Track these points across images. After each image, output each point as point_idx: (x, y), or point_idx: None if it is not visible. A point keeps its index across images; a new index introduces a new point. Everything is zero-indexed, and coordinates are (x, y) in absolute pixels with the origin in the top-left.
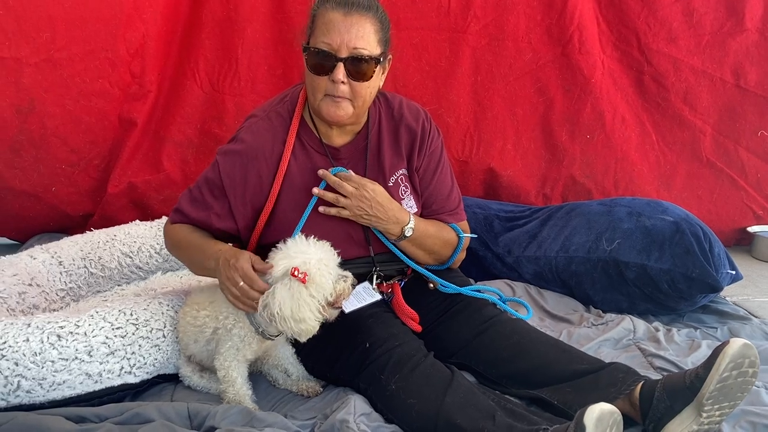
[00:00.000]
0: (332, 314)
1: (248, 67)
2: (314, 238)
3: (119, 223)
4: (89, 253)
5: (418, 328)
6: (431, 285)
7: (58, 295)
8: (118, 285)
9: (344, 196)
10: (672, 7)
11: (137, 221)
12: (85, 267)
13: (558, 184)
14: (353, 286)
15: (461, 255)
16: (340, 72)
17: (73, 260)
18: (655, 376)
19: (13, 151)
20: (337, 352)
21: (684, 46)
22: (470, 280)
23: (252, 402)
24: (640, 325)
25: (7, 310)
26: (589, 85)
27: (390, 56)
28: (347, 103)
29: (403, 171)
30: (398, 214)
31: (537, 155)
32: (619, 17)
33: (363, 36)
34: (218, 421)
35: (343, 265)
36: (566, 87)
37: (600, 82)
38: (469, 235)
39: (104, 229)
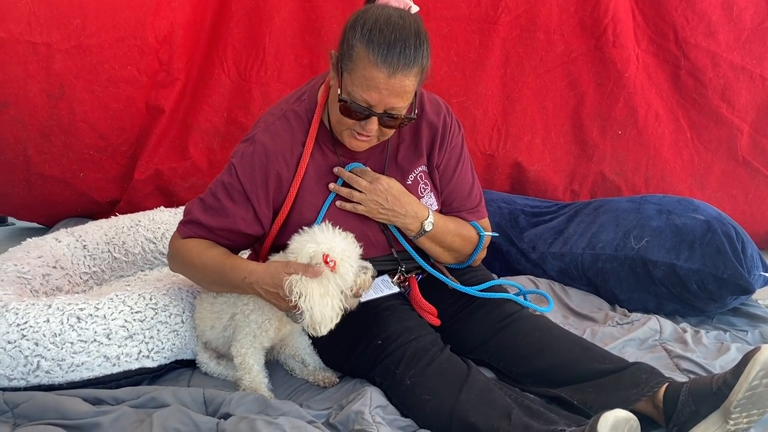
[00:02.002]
0: (352, 304)
1: (275, 57)
2: (339, 228)
3: (145, 210)
4: (113, 237)
5: (437, 322)
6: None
7: (81, 278)
8: (141, 270)
9: (360, 192)
10: (711, 0)
11: (162, 207)
12: (109, 251)
13: (587, 181)
14: (373, 278)
15: (482, 253)
16: (374, 125)
17: (98, 244)
18: (681, 378)
19: (43, 137)
20: (353, 344)
21: (723, 41)
22: (492, 275)
23: (268, 390)
24: (667, 325)
25: (31, 291)
26: (622, 79)
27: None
28: (373, 139)
29: (422, 168)
30: (416, 207)
31: (566, 150)
32: (655, 10)
33: (403, 95)
34: (233, 408)
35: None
36: (598, 81)
37: (634, 77)
38: (490, 233)
39: (129, 215)
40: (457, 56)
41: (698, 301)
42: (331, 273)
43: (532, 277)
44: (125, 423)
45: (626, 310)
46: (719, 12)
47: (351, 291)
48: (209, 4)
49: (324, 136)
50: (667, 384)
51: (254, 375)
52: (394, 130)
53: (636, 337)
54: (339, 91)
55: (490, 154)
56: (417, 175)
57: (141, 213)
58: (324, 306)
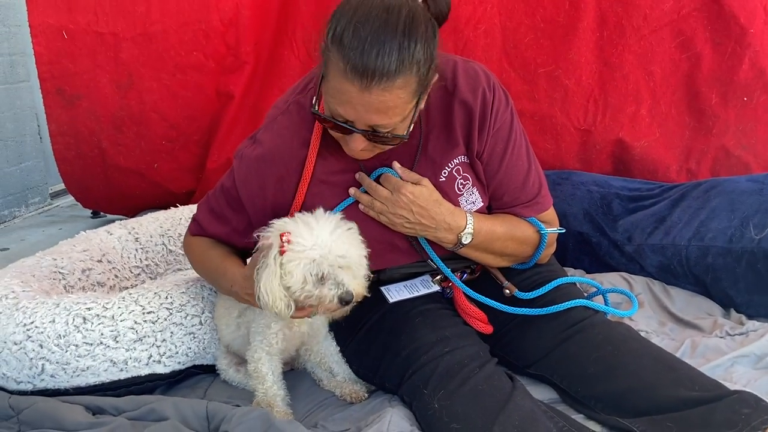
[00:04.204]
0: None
1: None
2: (345, 225)
3: None
4: (168, 229)
5: (488, 329)
6: (507, 291)
7: (132, 272)
8: None
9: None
10: None
11: None
12: (163, 244)
13: (706, 157)
14: (345, 303)
15: (548, 250)
16: (359, 143)
17: (151, 237)
18: None
19: (115, 128)
20: (380, 355)
21: None
22: (564, 271)
23: (284, 404)
24: None
25: (65, 287)
26: (746, 36)
27: (434, 79)
28: (373, 150)
29: (460, 159)
30: (450, 218)
31: (679, 122)
32: None
33: (386, 111)
34: (233, 427)
35: (399, 269)
36: (716, 40)
37: (761, 33)
38: (553, 230)
39: (189, 206)
40: (544, 21)
41: None
42: (278, 252)
43: (625, 275)
44: None
45: (743, 317)
46: None
47: (299, 296)
48: None
49: None
50: None
51: (268, 386)
52: (392, 146)
53: (751, 353)
54: (314, 101)
55: (585, 129)
56: (453, 169)
57: None
58: (267, 283)
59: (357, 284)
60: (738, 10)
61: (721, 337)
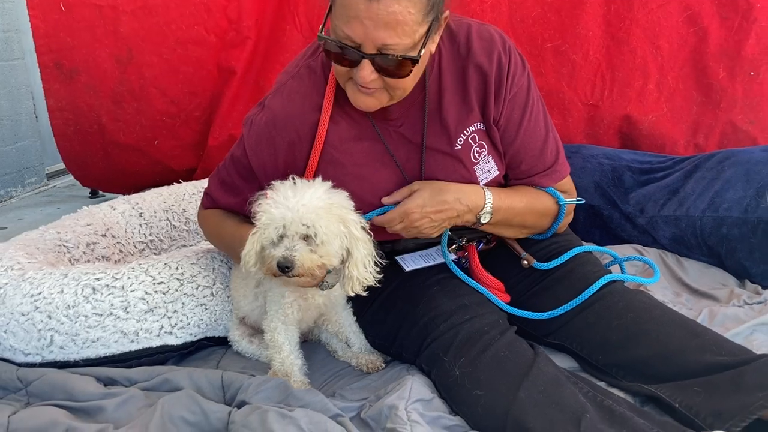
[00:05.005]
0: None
1: None
2: (331, 198)
3: None
4: (172, 205)
5: (506, 298)
6: (525, 262)
7: (136, 247)
8: (205, 240)
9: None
10: None
11: None
12: (167, 219)
13: (714, 132)
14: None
15: (566, 219)
16: (367, 70)
17: (155, 212)
18: None
19: (114, 103)
20: (397, 325)
21: None
22: (580, 240)
23: (301, 373)
24: None
25: (69, 261)
26: (753, 10)
27: (446, 13)
28: (381, 93)
29: (476, 126)
30: (468, 198)
31: (687, 97)
32: None
33: (395, 26)
34: (251, 395)
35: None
36: (723, 14)
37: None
38: (572, 200)
39: (192, 182)
40: None
41: None
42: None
43: (638, 247)
44: (131, 408)
45: (759, 287)
46: None
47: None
48: None
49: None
50: None
51: (285, 355)
52: (403, 79)
53: None
54: (321, 28)
55: (593, 104)
56: (468, 136)
57: (205, 180)
58: (249, 240)
59: (310, 258)
60: None
61: (739, 306)
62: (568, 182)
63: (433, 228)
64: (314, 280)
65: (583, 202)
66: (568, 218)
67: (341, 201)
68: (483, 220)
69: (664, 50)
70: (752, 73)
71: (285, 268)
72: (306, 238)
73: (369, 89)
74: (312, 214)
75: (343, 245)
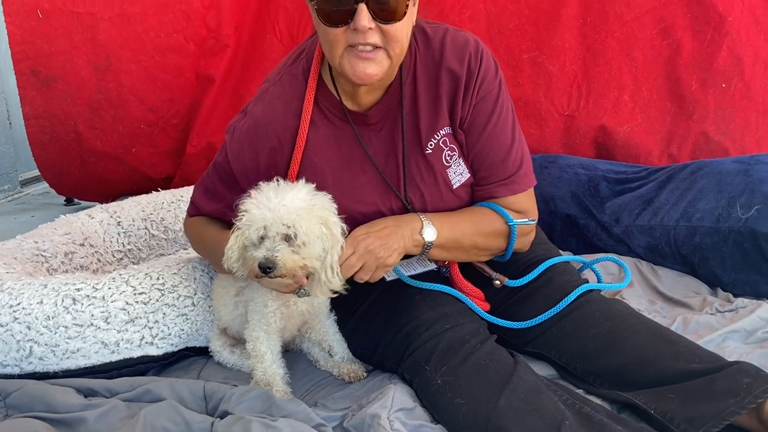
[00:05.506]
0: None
1: None
2: (313, 200)
3: None
4: (151, 213)
5: (486, 306)
6: (497, 282)
7: (114, 256)
8: (184, 249)
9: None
10: None
11: None
12: (146, 228)
13: (686, 142)
14: (267, 270)
15: (525, 239)
16: (364, 16)
17: (133, 221)
18: None
19: (92, 111)
20: (379, 334)
21: None
22: (558, 250)
23: (283, 383)
24: None
25: (48, 270)
26: (724, 24)
27: None
28: (381, 55)
29: (446, 130)
30: (403, 220)
31: (661, 108)
32: None
33: None
34: (233, 405)
35: None
36: (696, 27)
37: (738, 21)
38: (523, 221)
39: (171, 190)
40: (528, 7)
41: None
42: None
43: (614, 255)
44: (113, 419)
45: (730, 295)
46: None
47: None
48: None
49: (328, 100)
50: None
51: (267, 365)
52: (399, 23)
53: (741, 329)
54: None
55: (569, 114)
56: (439, 140)
57: (184, 188)
58: (232, 241)
59: (292, 258)
60: None
61: (711, 314)
62: (526, 200)
63: (388, 250)
64: (296, 283)
65: (535, 222)
66: (526, 238)
67: (323, 203)
68: (428, 238)
69: (639, 62)
70: (723, 85)
71: (267, 268)
72: (287, 239)
73: (368, 51)
74: (293, 215)
75: (325, 247)
